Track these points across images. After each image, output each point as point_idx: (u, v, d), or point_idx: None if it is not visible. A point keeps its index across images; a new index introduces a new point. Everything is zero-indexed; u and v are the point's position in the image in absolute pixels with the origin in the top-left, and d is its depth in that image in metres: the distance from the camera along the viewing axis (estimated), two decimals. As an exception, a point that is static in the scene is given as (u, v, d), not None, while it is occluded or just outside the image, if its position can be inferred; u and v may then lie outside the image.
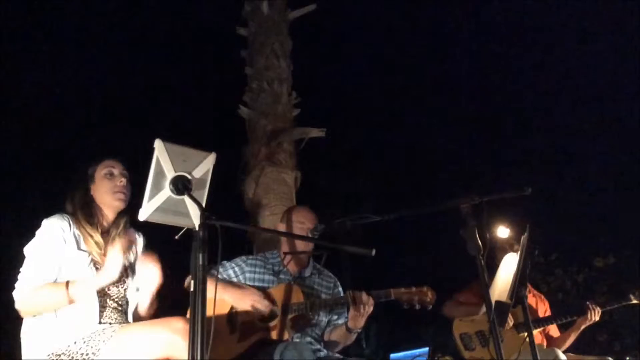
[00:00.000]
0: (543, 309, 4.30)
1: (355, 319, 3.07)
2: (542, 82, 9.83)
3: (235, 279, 3.19)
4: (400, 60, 10.12)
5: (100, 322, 2.38)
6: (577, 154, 9.26)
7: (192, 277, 1.88)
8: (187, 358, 1.84)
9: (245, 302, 2.99)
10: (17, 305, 2.34)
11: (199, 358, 1.79)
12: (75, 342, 2.26)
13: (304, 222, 3.25)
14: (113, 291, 2.50)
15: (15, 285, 2.36)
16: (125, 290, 2.55)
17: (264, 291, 3.11)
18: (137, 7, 7.82)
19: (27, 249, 2.41)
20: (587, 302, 4.08)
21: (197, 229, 1.92)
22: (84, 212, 2.51)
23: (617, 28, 8.84)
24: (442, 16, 9.78)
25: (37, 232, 2.45)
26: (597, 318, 4.03)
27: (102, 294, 2.44)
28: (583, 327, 4.06)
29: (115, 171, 2.59)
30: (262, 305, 2.98)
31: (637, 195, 7.88)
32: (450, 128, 10.46)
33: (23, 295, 2.33)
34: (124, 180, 2.59)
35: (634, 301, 4.05)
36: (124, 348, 2.23)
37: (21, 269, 2.39)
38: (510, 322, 3.80)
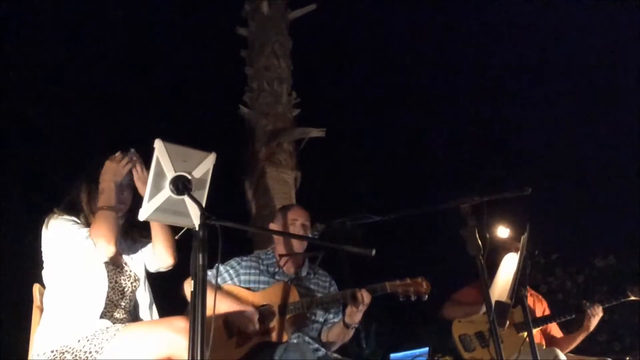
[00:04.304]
0: (541, 308, 4.29)
1: (352, 314, 3.06)
2: (542, 81, 9.83)
3: (230, 282, 3.17)
4: (400, 61, 10.11)
5: (102, 318, 2.37)
6: (577, 154, 9.25)
7: (192, 277, 1.88)
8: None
9: (241, 318, 2.96)
10: None
11: (199, 358, 1.80)
12: (79, 341, 2.28)
13: (297, 220, 3.25)
14: (120, 283, 2.50)
15: None
16: (133, 283, 2.55)
17: (262, 292, 3.10)
18: (137, 7, 7.82)
19: None
20: (586, 301, 4.08)
21: (197, 229, 1.92)
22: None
23: (618, 27, 8.84)
24: (443, 16, 9.78)
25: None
26: (601, 313, 4.01)
27: (113, 289, 2.45)
28: (590, 326, 4.02)
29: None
30: (255, 324, 2.92)
31: (637, 195, 7.87)
32: (450, 128, 10.45)
33: None
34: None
35: (632, 297, 4.04)
36: (126, 347, 2.24)
37: None
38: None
